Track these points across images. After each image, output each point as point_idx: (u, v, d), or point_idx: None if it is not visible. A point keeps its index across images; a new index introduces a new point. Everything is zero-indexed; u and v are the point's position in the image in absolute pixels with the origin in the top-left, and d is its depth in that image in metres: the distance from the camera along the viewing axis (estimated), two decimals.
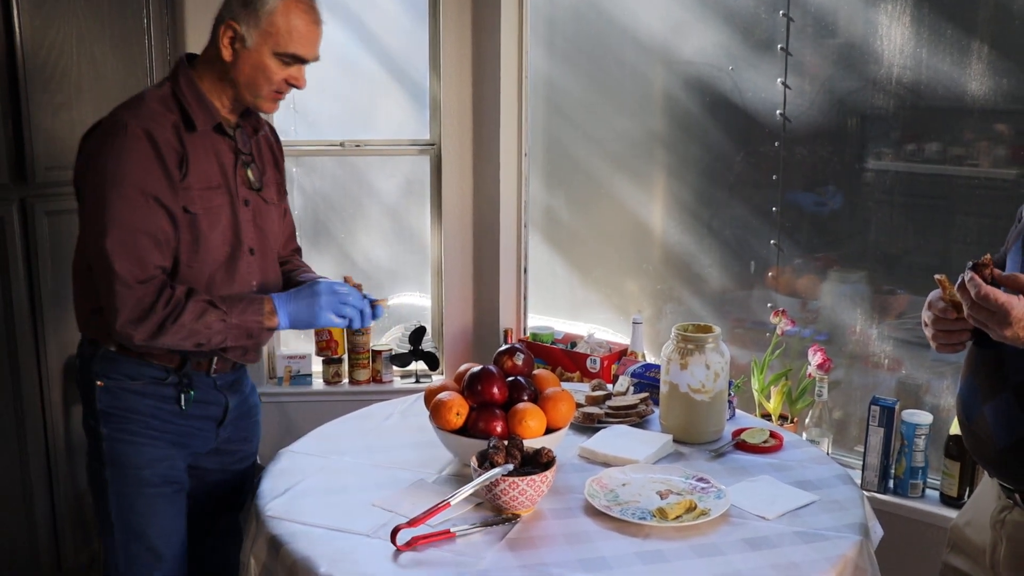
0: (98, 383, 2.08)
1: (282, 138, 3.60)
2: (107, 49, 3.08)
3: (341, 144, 3.72)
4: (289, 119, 3.80)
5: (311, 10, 2.06)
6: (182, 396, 2.09)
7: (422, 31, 3.67)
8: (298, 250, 2.46)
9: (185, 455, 2.15)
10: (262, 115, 2.26)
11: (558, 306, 3.79)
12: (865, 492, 2.42)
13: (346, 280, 2.15)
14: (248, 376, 2.34)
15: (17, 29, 2.86)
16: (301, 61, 2.06)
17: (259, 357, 2.26)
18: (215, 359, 2.13)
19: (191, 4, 3.39)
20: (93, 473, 2.12)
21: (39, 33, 2.91)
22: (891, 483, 2.71)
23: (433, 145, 3.70)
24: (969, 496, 2.39)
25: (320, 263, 3.93)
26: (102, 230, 1.91)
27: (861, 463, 2.74)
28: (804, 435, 2.81)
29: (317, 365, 3.74)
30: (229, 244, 2.08)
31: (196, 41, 3.41)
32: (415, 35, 3.71)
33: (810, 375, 2.88)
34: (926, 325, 1.71)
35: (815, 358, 2.85)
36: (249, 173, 2.14)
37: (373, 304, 2.13)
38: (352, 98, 3.92)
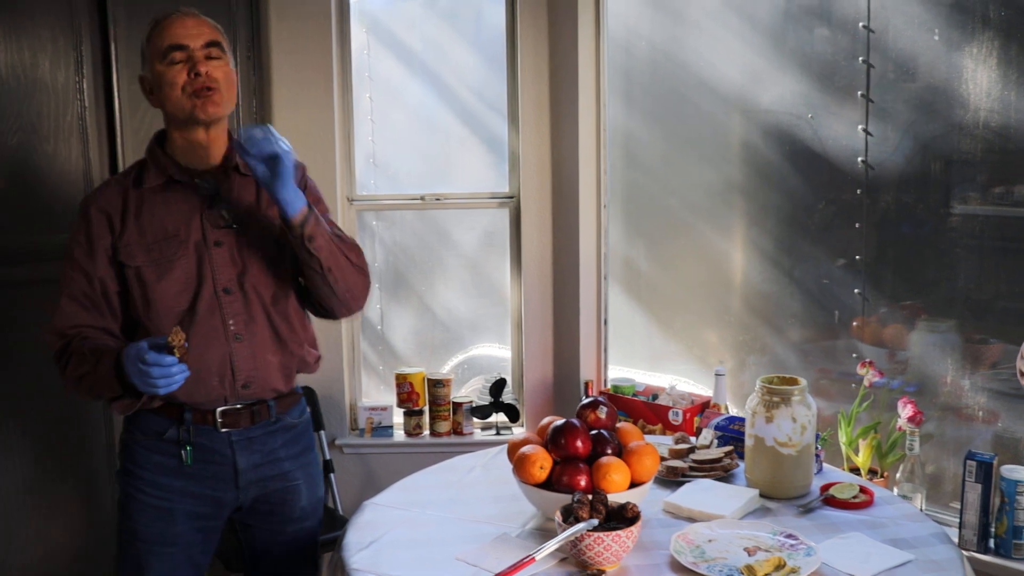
0: (123, 435, 2.20)
1: (362, 192, 3.72)
2: None
3: (422, 198, 3.77)
4: (369, 173, 3.87)
5: (176, 11, 2.11)
6: (182, 452, 2.12)
7: (500, 85, 3.72)
8: None
9: (193, 516, 2.16)
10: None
11: (638, 357, 3.76)
12: (964, 552, 2.33)
13: (170, 340, 1.92)
14: (291, 443, 2.28)
15: (116, 93, 3.01)
16: (180, 49, 2.06)
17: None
18: (218, 412, 2.13)
19: (277, 63, 3.49)
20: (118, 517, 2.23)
21: (136, 96, 3.03)
22: (992, 543, 2.60)
23: (512, 198, 3.73)
24: None
25: (400, 314, 3.97)
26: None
27: (958, 521, 2.64)
28: (896, 490, 2.73)
29: (398, 417, 3.77)
30: (191, 289, 2.10)
31: (283, 100, 3.52)
32: (493, 89, 3.76)
33: (900, 428, 2.80)
34: (1023, 375, 1.65)
35: (905, 411, 2.77)
36: (223, 212, 2.14)
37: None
38: (431, 152, 3.98)
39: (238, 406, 2.15)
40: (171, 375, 1.91)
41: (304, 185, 2.26)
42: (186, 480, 2.14)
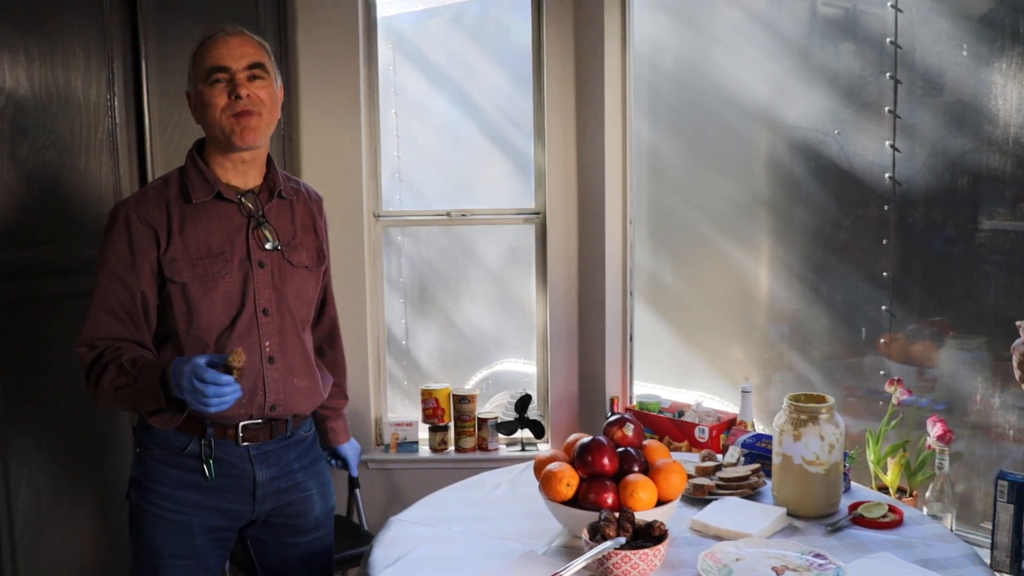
0: (136, 450, 2.18)
1: (388, 208, 3.74)
2: None
3: (448, 214, 3.79)
4: (394, 189, 3.89)
5: (221, 30, 2.11)
6: (204, 466, 2.13)
7: (526, 101, 3.73)
8: (332, 335, 2.47)
9: (209, 530, 2.17)
10: (302, 184, 2.33)
11: (664, 373, 3.75)
12: (996, 573, 2.30)
13: (232, 360, 1.91)
14: (302, 453, 2.30)
15: (147, 111, 3.05)
16: (222, 70, 2.07)
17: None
18: (240, 427, 2.14)
19: (305, 79, 3.53)
20: (129, 531, 2.22)
21: (165, 114, 3.09)
22: None
23: (538, 214, 3.74)
24: None
25: (425, 330, 3.98)
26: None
27: (990, 541, 2.61)
28: (925, 510, 2.70)
29: (424, 432, 3.77)
30: (234, 307, 2.11)
31: (310, 115, 3.55)
32: (519, 106, 3.78)
33: (929, 447, 2.77)
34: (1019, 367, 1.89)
35: (935, 429, 2.75)
36: (266, 233, 2.16)
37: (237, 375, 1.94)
38: (457, 168, 4.00)
39: (259, 421, 2.16)
40: (224, 395, 1.90)
41: (323, 221, 2.35)
42: (204, 494, 2.15)
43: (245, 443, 2.15)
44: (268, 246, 2.16)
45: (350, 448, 2.57)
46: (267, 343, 2.14)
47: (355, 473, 2.64)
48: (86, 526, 3.05)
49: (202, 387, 1.88)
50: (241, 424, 2.14)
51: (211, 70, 2.07)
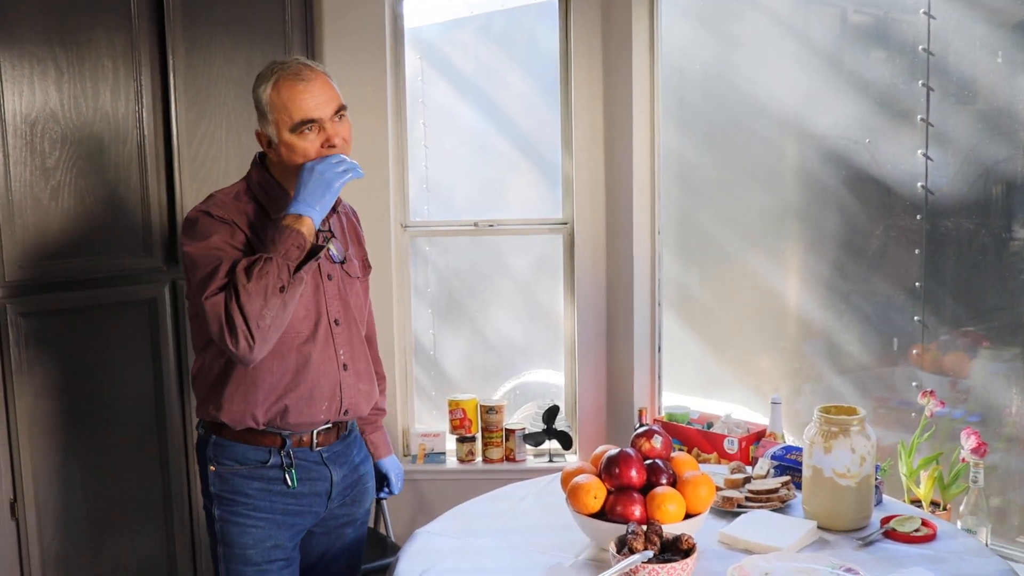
0: (211, 468, 2.20)
1: (415, 218, 3.75)
2: (252, 138, 3.22)
3: (475, 224, 3.78)
4: (422, 199, 3.89)
5: (297, 74, 2.07)
6: (286, 476, 2.17)
7: (554, 111, 3.72)
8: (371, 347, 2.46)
9: (295, 532, 2.22)
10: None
11: (692, 384, 3.72)
12: None
13: None
14: (358, 446, 2.38)
15: (174, 123, 3.07)
16: (313, 122, 2.07)
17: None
18: (315, 432, 2.20)
19: None
20: (211, 548, 2.26)
21: (192, 125, 3.11)
22: None
23: (566, 224, 3.73)
24: None
25: (453, 340, 3.98)
26: (193, 291, 2.05)
27: None
28: (959, 524, 2.65)
29: (451, 443, 3.76)
30: (312, 318, 2.16)
31: None
32: (547, 115, 3.77)
33: (963, 459, 2.73)
34: None
35: (969, 442, 2.70)
36: (331, 247, 2.21)
37: None
38: (485, 177, 3.99)
39: (329, 425, 2.23)
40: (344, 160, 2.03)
41: (362, 230, 2.43)
42: (288, 499, 2.19)
43: (319, 447, 2.22)
44: (334, 259, 2.23)
45: (391, 463, 2.57)
46: (341, 351, 2.21)
47: (397, 491, 2.58)
48: (145, 533, 3.09)
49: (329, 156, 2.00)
50: (315, 430, 2.20)
51: (301, 123, 2.06)
